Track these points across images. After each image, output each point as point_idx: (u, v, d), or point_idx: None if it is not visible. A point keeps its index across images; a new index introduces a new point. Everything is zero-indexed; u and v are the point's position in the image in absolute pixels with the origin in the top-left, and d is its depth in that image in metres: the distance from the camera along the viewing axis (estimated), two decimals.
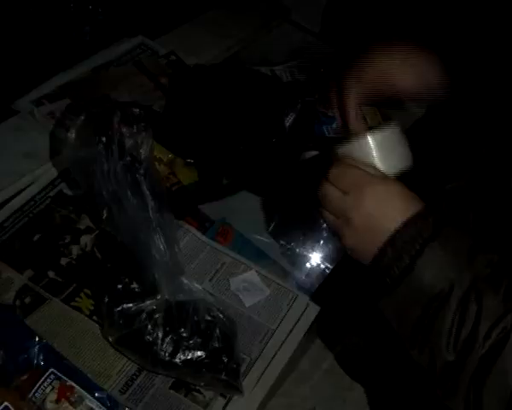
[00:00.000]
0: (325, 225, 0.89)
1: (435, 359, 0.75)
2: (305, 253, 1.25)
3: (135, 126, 1.07)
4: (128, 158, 1.04)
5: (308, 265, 1.23)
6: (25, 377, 0.91)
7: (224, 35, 1.72)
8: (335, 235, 0.87)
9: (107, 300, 0.99)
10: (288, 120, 1.28)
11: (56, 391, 0.90)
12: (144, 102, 1.41)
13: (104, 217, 1.01)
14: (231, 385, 0.99)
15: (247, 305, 1.13)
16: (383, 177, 0.83)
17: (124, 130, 1.05)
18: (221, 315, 1.02)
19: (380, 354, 0.90)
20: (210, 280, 1.15)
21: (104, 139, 1.02)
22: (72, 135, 1.06)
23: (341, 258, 1.24)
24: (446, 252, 0.75)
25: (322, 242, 1.26)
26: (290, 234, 1.26)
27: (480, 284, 0.72)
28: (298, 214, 1.26)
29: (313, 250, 1.25)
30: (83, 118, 1.08)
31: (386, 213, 0.80)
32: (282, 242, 1.25)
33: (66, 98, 1.41)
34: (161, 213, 1.04)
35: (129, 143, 1.06)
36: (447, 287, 0.73)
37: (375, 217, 0.80)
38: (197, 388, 1.01)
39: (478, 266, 0.74)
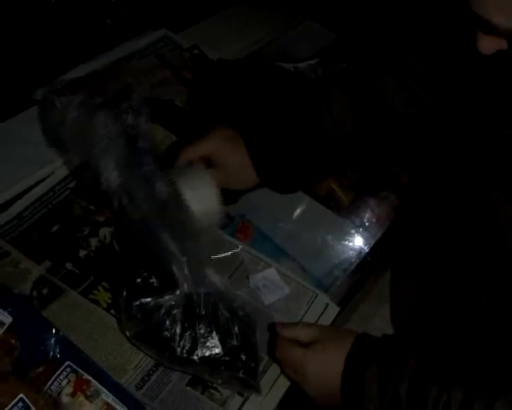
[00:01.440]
0: None
1: None
2: (325, 250, 1.23)
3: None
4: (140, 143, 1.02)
5: (328, 263, 1.21)
6: (41, 369, 0.90)
7: (248, 30, 1.71)
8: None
9: (125, 293, 0.98)
10: None
11: (72, 384, 0.88)
12: (166, 96, 1.40)
13: (116, 207, 0.99)
14: (249, 384, 0.98)
15: (266, 303, 1.11)
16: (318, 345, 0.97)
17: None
18: (240, 312, 1.00)
19: None
20: (229, 277, 1.14)
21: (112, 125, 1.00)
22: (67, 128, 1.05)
23: (364, 257, 1.23)
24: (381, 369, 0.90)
25: (343, 240, 1.25)
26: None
27: None
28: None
29: (334, 248, 1.24)
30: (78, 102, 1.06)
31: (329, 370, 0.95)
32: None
33: (87, 89, 1.40)
34: (179, 207, 1.03)
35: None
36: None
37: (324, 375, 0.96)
38: (214, 385, 0.99)
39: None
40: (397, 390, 0.88)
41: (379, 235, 1.27)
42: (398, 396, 0.87)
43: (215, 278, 1.00)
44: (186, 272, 0.97)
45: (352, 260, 1.22)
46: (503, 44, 0.84)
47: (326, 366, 0.96)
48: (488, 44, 0.84)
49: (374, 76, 1.20)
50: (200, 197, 1.09)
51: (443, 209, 1.19)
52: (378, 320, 1.41)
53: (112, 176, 0.98)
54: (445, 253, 1.19)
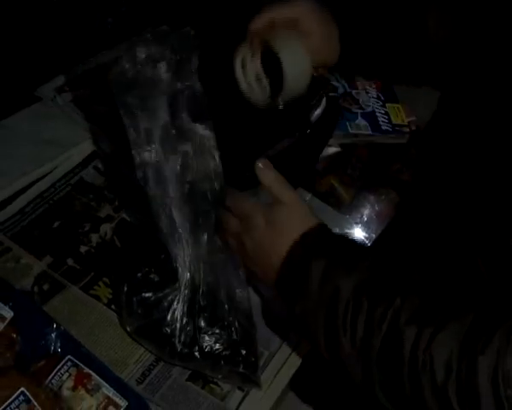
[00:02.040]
0: None
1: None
2: None
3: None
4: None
5: None
6: (42, 363, 0.91)
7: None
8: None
9: (126, 288, 0.98)
10: (313, 114, 1.27)
11: (73, 378, 0.89)
12: None
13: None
14: (249, 379, 0.98)
15: (266, 298, 1.12)
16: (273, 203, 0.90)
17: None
18: (240, 307, 1.01)
19: None
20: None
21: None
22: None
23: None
24: (330, 264, 0.80)
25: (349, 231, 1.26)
26: None
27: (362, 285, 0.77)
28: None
29: None
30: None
31: (279, 235, 0.86)
32: None
33: (88, 86, 1.41)
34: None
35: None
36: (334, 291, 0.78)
37: (267, 240, 0.87)
38: (215, 380, 1.00)
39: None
40: (338, 286, 0.78)
41: (379, 231, 1.28)
42: (339, 292, 0.78)
43: (216, 272, 1.00)
44: (187, 267, 0.98)
45: None
46: None
47: (273, 227, 0.88)
48: None
49: None
50: (296, 61, 1.04)
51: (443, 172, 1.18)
52: None
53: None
54: (443, 220, 1.18)
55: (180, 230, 0.98)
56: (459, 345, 0.68)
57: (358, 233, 1.26)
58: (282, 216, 0.88)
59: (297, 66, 1.03)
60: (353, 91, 1.51)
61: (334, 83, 1.52)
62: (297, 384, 1.05)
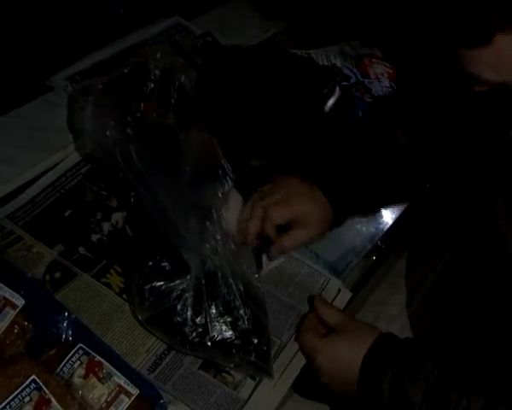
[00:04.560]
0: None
1: None
2: (338, 235, 1.22)
3: None
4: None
5: (342, 248, 1.21)
6: (53, 351, 0.90)
7: (261, 17, 1.71)
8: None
9: (137, 277, 0.98)
10: (326, 104, 1.26)
11: (84, 366, 0.88)
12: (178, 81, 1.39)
13: (132, 201, 1.03)
14: (261, 368, 0.97)
15: (278, 286, 1.11)
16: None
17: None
18: (253, 296, 1.00)
19: None
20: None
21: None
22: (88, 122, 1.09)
23: (377, 242, 1.23)
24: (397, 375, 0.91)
25: (357, 225, 1.24)
26: None
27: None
28: None
29: (347, 233, 1.23)
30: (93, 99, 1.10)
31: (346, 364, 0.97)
32: None
33: (101, 75, 1.40)
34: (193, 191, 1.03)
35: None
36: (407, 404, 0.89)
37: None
38: (226, 369, 0.99)
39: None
40: (409, 397, 0.88)
41: (391, 221, 1.27)
42: (411, 403, 0.88)
43: (228, 260, 1.00)
44: (198, 255, 0.98)
45: (365, 246, 1.22)
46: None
47: (336, 360, 0.97)
48: (482, 88, 0.88)
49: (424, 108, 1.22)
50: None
51: (449, 211, 1.21)
52: (391, 307, 1.41)
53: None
54: (456, 251, 1.21)
55: (190, 218, 0.99)
56: None
57: (371, 223, 1.26)
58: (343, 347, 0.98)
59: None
60: (366, 81, 1.51)
61: (347, 72, 1.52)
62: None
